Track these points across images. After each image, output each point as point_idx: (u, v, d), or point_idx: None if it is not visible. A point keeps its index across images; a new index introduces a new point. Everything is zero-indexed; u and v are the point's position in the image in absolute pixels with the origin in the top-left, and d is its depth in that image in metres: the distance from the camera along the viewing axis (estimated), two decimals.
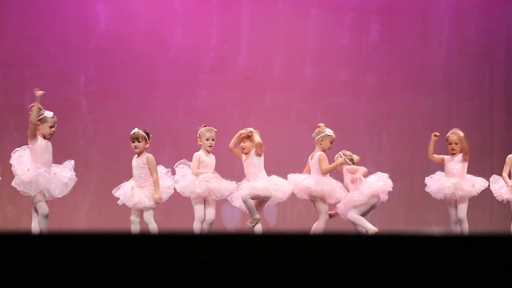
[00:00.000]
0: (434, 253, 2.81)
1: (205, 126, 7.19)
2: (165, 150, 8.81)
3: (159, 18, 9.38)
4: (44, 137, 6.58)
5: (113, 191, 6.94)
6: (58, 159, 6.74)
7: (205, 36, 9.47)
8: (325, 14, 9.70)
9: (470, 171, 7.50)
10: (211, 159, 7.14)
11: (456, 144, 7.37)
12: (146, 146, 6.99)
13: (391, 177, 7.30)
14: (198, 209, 7.00)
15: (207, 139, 7.13)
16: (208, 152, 7.13)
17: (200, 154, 7.08)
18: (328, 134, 7.18)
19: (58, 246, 2.68)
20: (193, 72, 9.45)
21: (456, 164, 7.40)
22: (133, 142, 6.97)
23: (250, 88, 9.52)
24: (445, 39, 9.89)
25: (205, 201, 7.03)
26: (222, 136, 9.41)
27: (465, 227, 7.27)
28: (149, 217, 6.87)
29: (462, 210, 7.30)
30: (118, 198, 6.92)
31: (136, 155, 6.97)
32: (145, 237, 2.89)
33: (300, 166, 7.36)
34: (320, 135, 7.19)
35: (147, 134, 7.03)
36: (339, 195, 7.13)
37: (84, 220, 9.00)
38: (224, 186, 7.06)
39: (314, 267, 2.71)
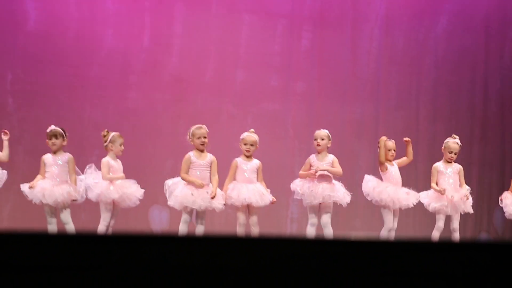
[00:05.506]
0: (359, 258, 2.85)
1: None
2: (93, 151, 8.69)
3: (90, 17, 9.25)
4: None
5: (22, 188, 6.84)
6: None
7: (137, 38, 9.39)
8: (258, 20, 9.75)
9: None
10: (118, 164, 7.07)
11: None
12: (64, 144, 6.93)
13: None
14: (107, 215, 6.91)
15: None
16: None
17: (108, 160, 7.00)
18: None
19: None
20: (123, 73, 9.36)
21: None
22: (51, 139, 6.91)
23: (181, 91, 9.49)
24: (374, 48, 10.07)
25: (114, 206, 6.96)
26: (152, 139, 9.35)
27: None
28: (67, 216, 6.78)
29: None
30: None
31: (52, 153, 6.89)
32: (67, 237, 2.85)
33: (228, 171, 7.35)
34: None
35: (64, 131, 6.95)
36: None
37: (6, 221, 8.79)
38: (139, 191, 7.05)
39: (243, 270, 2.72)
